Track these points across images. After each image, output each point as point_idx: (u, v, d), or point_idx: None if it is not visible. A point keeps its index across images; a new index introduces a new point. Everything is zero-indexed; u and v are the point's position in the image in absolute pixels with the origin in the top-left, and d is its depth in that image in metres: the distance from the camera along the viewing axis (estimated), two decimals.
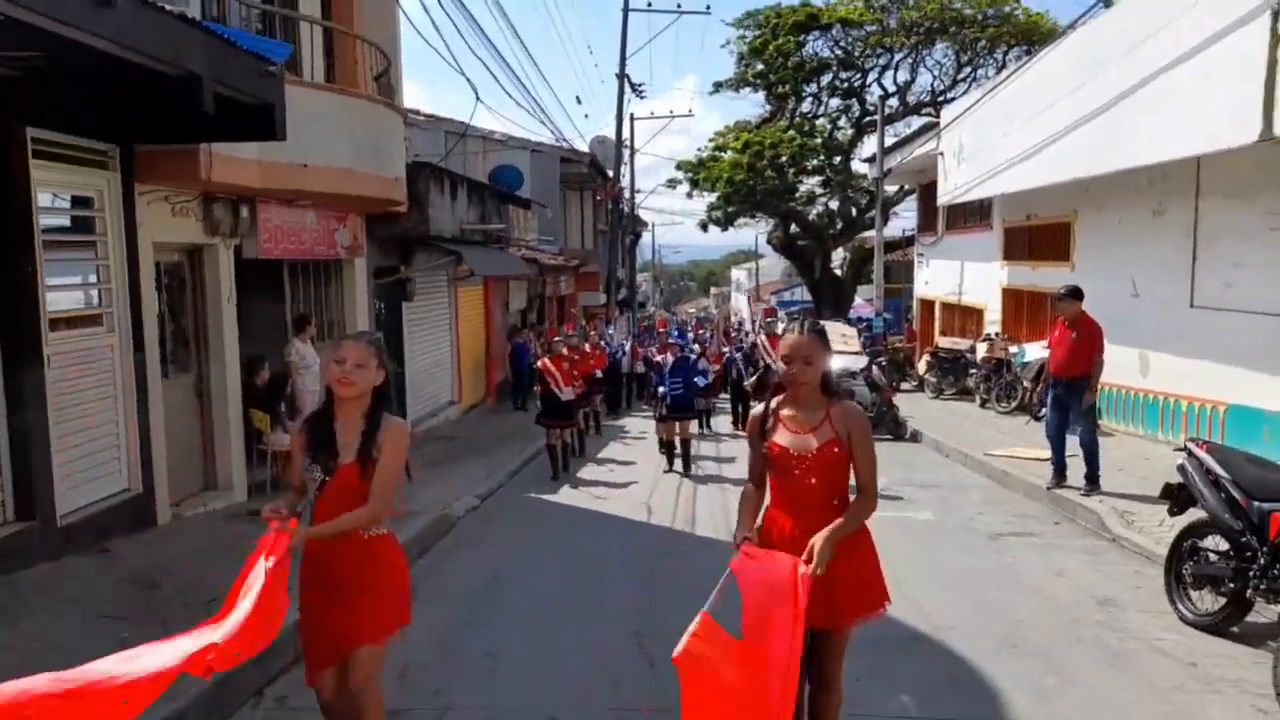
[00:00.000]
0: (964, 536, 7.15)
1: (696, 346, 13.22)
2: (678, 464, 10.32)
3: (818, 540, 2.90)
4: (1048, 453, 8.29)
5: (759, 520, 3.18)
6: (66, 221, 5.98)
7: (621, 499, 8.99)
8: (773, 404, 3.21)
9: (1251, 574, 4.46)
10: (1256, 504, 4.49)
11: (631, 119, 30.74)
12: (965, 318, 19.08)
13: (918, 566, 6.04)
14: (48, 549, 5.45)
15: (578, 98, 77.77)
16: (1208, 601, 4.88)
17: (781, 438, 3.14)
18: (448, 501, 7.95)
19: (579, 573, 6.39)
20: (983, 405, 14.71)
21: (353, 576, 3.05)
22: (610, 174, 26.78)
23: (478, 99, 17.34)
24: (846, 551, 3.00)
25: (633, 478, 10.17)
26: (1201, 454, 4.93)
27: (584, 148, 26.71)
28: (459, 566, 6.49)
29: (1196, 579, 4.95)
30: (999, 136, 13.67)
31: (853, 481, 3.12)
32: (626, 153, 28.68)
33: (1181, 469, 5.06)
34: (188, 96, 4.86)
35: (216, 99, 4.95)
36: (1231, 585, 4.65)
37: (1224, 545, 4.79)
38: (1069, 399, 7.91)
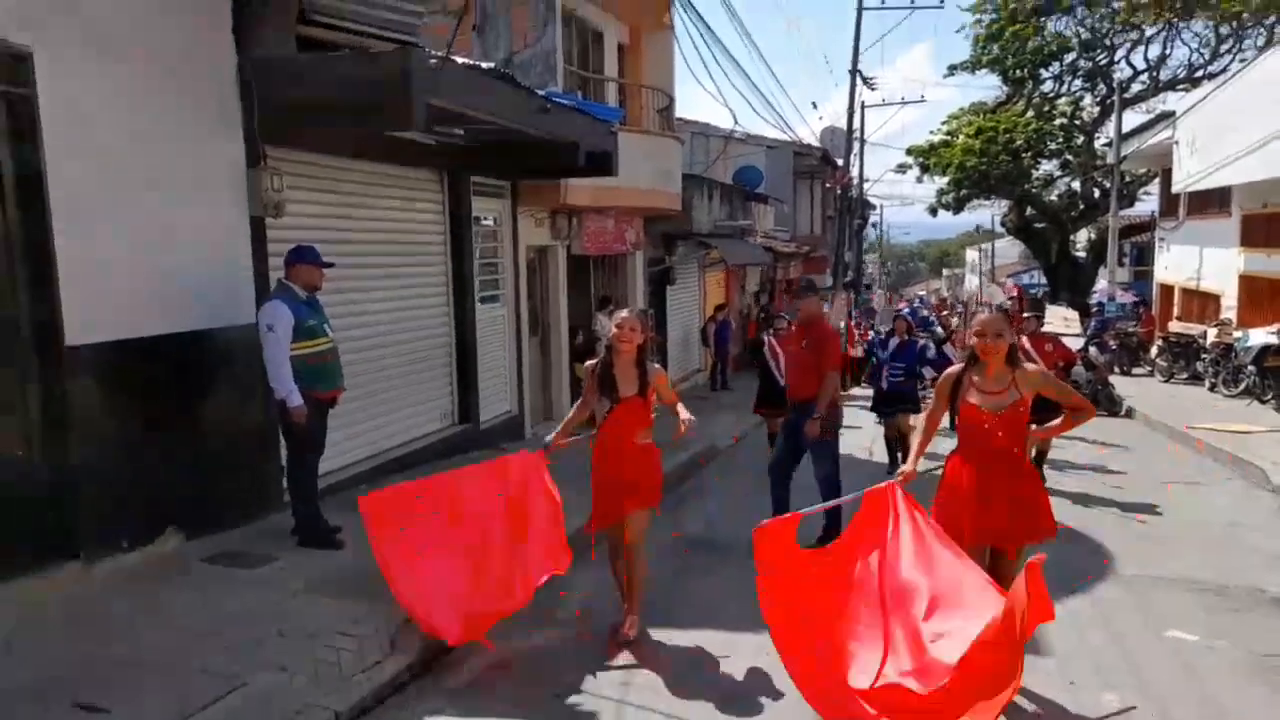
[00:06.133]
0: (1142, 481, 8.58)
1: (940, 329, 12.40)
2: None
3: (1038, 430, 3.81)
4: (1246, 426, 8.49)
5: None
6: (483, 235, 9.12)
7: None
8: (962, 371, 3.76)
9: None
10: None
11: (863, 108, 31.96)
12: (1203, 303, 19.00)
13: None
14: (476, 442, 8.62)
15: (814, 103, 79.48)
16: None
17: (974, 398, 3.63)
18: (713, 437, 10.54)
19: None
20: (1211, 389, 15.00)
21: (632, 466, 4.32)
22: (839, 162, 28.35)
23: (735, 121, 19.69)
24: (1018, 480, 3.60)
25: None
26: None
27: (814, 141, 28.45)
28: (726, 475, 9.07)
29: None
30: (1228, 129, 14.13)
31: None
32: (856, 144, 30.01)
33: None
34: (563, 152, 7.72)
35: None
36: None
37: None
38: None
